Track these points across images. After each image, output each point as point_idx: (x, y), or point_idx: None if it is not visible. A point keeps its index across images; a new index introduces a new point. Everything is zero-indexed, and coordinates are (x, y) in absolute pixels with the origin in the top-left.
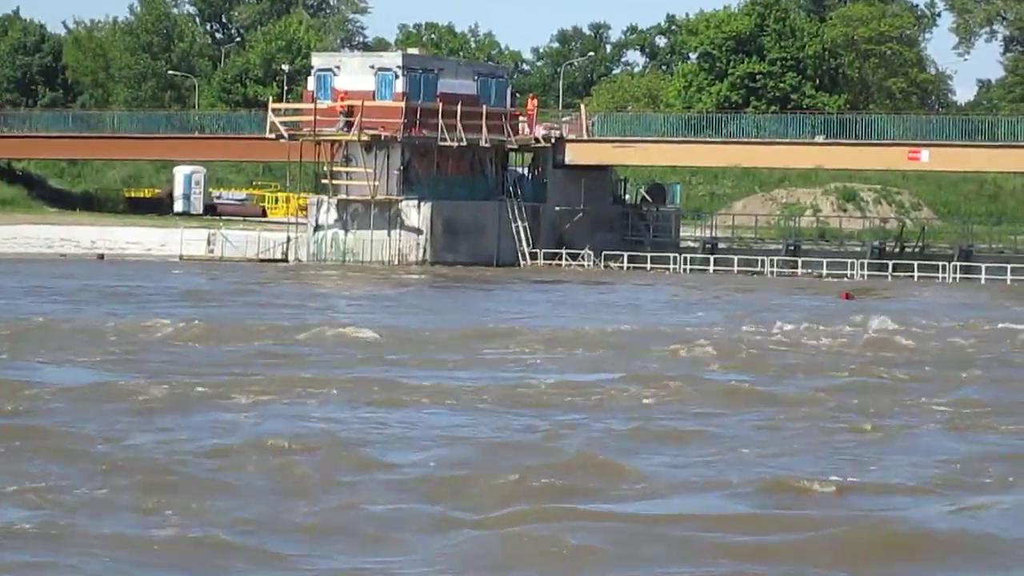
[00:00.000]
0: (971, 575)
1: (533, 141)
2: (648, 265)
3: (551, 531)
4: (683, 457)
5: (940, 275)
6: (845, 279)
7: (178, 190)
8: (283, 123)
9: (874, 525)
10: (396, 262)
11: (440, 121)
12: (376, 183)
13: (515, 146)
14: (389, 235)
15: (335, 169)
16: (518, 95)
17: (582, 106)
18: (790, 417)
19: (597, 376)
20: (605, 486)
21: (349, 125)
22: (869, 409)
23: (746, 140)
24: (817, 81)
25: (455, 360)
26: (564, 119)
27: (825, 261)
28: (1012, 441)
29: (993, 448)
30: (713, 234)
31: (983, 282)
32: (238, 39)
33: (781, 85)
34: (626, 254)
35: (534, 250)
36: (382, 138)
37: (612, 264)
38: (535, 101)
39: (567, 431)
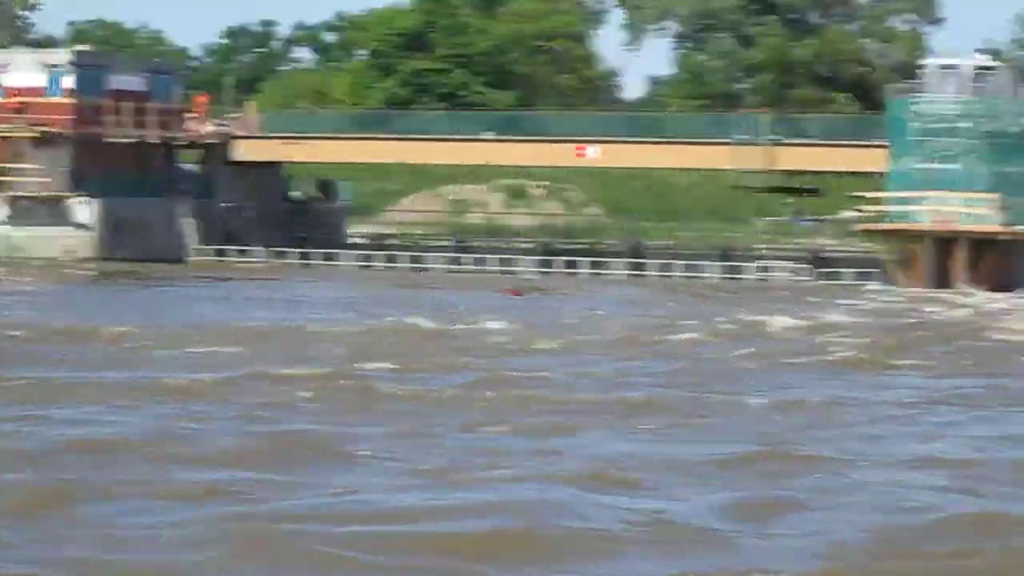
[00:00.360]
0: None
1: (202, 138)
2: (316, 262)
3: None
4: None
5: (609, 272)
6: (514, 275)
7: None
8: None
9: None
10: (65, 259)
11: (110, 118)
12: (46, 179)
13: (184, 143)
14: (58, 232)
15: (4, 165)
16: (188, 92)
17: (251, 103)
18: None
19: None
20: None
21: (33, 122)
22: None
23: (415, 137)
24: (486, 78)
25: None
26: (233, 116)
27: (493, 257)
28: None
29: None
30: (382, 231)
31: (652, 278)
32: None
33: (450, 82)
34: (295, 250)
35: (202, 246)
36: (51, 135)
37: (281, 260)
38: (204, 98)
39: None
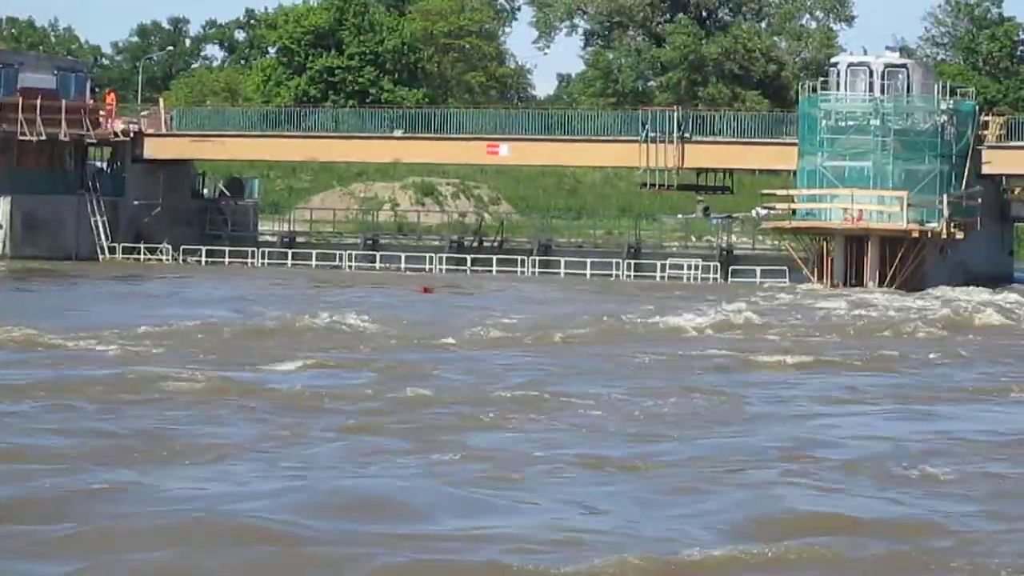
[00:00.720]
0: None
1: (112, 136)
2: (227, 259)
3: None
4: None
5: (520, 269)
6: (424, 273)
7: None
8: None
9: None
10: None
11: (20, 115)
12: None
13: (95, 140)
14: None
15: None
16: (98, 89)
17: (161, 100)
18: None
19: None
20: None
21: None
22: None
23: (324, 134)
24: (396, 75)
25: None
26: (143, 113)
27: (404, 255)
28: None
29: None
30: (292, 228)
31: (562, 276)
32: None
33: (360, 79)
34: (204, 248)
35: (113, 244)
36: None
37: (191, 258)
38: (113, 96)
39: None
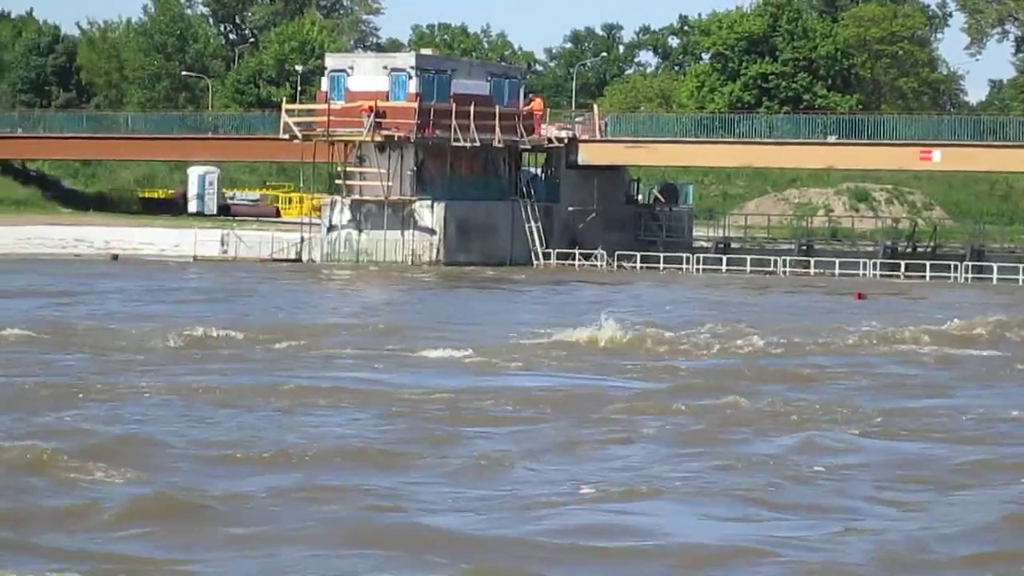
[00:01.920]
0: None
1: (546, 142)
2: (661, 265)
3: None
4: None
5: (952, 275)
6: (857, 279)
7: (192, 191)
8: (297, 124)
9: None
10: (409, 262)
11: (453, 122)
12: (390, 184)
13: (528, 146)
14: (402, 235)
15: (349, 170)
16: (531, 96)
17: (595, 106)
18: None
19: None
20: None
21: (378, 126)
22: None
23: (758, 140)
24: (829, 81)
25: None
26: (577, 119)
27: (837, 261)
28: None
29: None
30: (726, 234)
31: (995, 282)
32: (252, 40)
33: (793, 85)
34: (639, 254)
35: (547, 250)
36: (396, 139)
37: (625, 264)
38: (540, 101)
39: None
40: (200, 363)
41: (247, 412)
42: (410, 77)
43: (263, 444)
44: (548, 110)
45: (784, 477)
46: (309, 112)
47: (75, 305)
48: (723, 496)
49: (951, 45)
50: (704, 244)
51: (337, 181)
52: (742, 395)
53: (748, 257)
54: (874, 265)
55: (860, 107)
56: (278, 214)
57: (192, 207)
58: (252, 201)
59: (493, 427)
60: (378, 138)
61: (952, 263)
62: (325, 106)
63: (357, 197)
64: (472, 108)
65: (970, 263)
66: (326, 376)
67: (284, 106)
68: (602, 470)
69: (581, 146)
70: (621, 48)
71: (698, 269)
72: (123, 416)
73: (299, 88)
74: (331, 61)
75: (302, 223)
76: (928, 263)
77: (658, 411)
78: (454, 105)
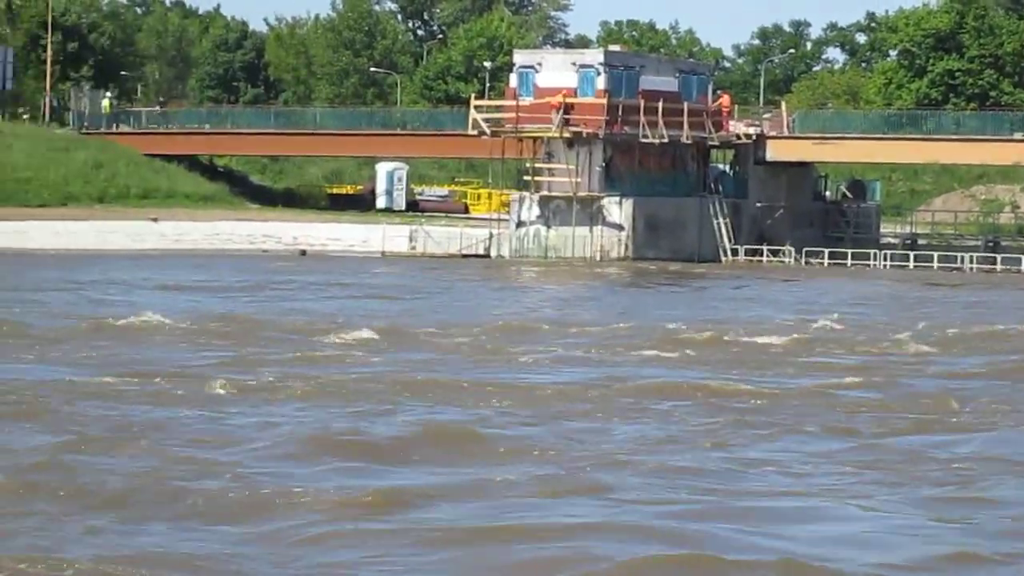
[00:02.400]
0: None
1: (734, 138)
2: (848, 261)
3: None
4: None
5: None
6: None
7: (380, 186)
8: (485, 120)
9: None
10: (598, 258)
11: (642, 118)
12: (578, 180)
13: (716, 143)
14: (591, 231)
15: (537, 166)
16: (718, 92)
17: (782, 103)
18: None
19: None
20: None
21: (567, 122)
22: None
23: (945, 137)
24: (1015, 78)
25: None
26: (765, 116)
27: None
28: None
29: None
30: (913, 230)
31: None
32: (440, 36)
33: (980, 82)
34: (827, 250)
35: (735, 246)
36: (584, 135)
37: (812, 260)
38: (728, 98)
39: None
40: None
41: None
42: (599, 73)
43: None
44: (736, 106)
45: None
46: (498, 108)
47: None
48: None
49: None
50: (891, 240)
51: (525, 177)
52: None
53: (935, 254)
54: None
55: None
56: (466, 210)
57: (380, 203)
58: (440, 197)
59: None
60: (566, 134)
61: None
62: (514, 102)
63: (545, 193)
64: (660, 104)
65: None
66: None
67: (473, 102)
68: None
69: (769, 142)
70: (808, 45)
71: (885, 265)
72: None
73: (487, 84)
74: (519, 57)
75: (490, 219)
76: None
77: None
78: (642, 101)
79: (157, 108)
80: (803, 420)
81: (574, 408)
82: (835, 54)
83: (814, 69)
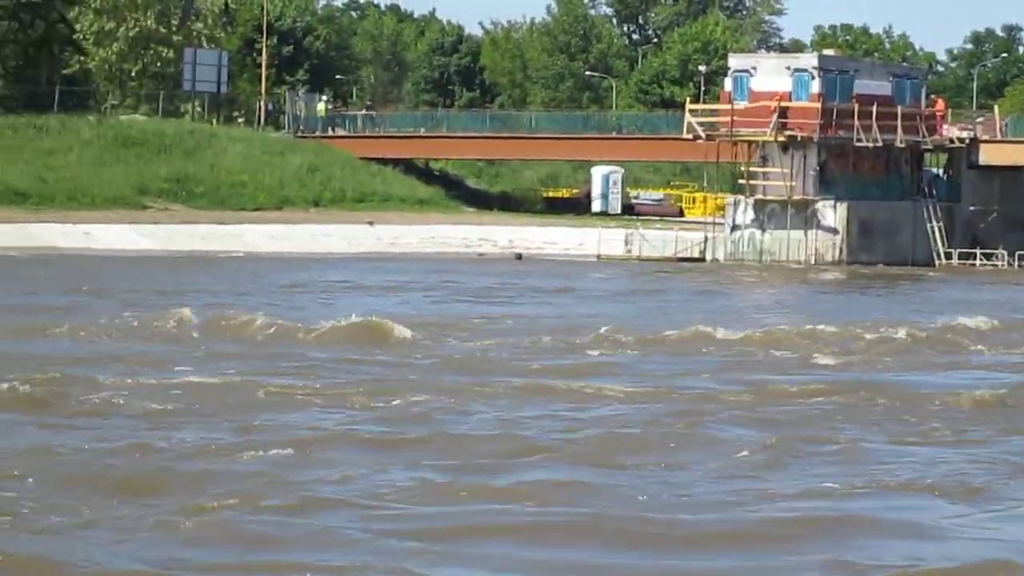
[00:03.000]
0: None
1: (948, 142)
2: None
3: None
4: None
5: None
6: None
7: (596, 190)
8: (700, 124)
9: None
10: (812, 262)
11: (856, 122)
12: (792, 183)
13: (930, 147)
14: (805, 235)
15: (752, 169)
16: (931, 96)
17: (995, 107)
18: None
19: None
20: None
21: (781, 126)
22: None
23: None
24: None
25: None
26: (978, 120)
27: None
28: None
29: None
30: None
31: None
32: (655, 40)
33: None
34: None
35: (948, 250)
36: (798, 139)
37: None
38: (942, 103)
39: None
40: None
41: None
42: (813, 77)
43: None
44: (949, 110)
45: None
46: (712, 112)
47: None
48: None
49: None
50: None
51: (740, 181)
52: None
53: None
54: None
55: None
56: (681, 214)
57: (596, 207)
58: (656, 201)
59: None
60: (781, 138)
61: None
62: (728, 106)
63: (760, 197)
64: (874, 108)
65: None
66: None
67: (688, 106)
68: None
69: (982, 147)
70: (1021, 49)
71: None
72: None
73: (702, 88)
74: (734, 61)
75: (705, 223)
76: None
77: None
78: (856, 105)
79: (363, 112)
80: None
81: None
82: None
83: None
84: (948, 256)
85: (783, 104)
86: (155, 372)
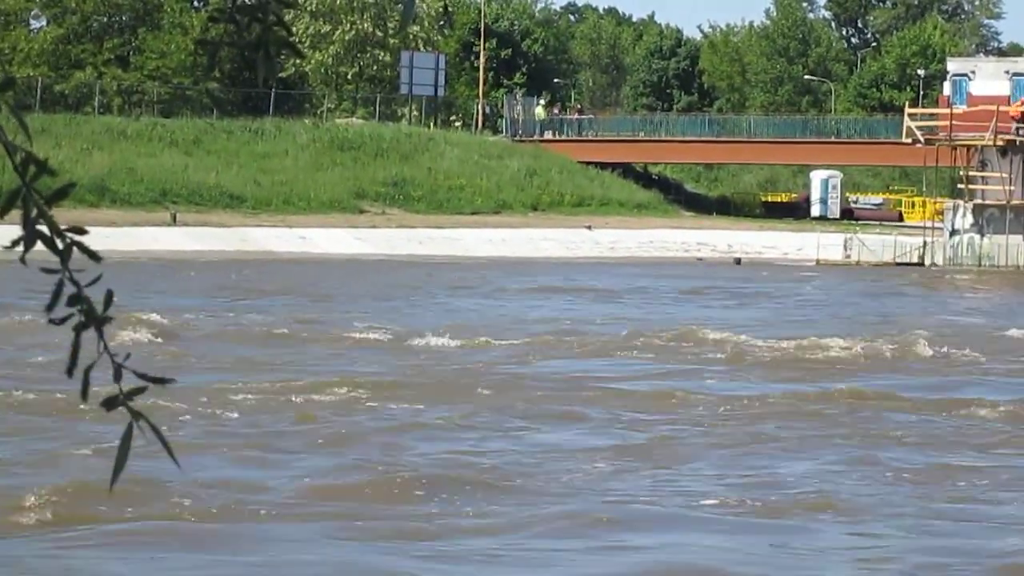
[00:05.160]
0: None
1: None
2: None
3: None
4: None
5: None
6: None
7: (815, 194)
8: (919, 128)
9: None
10: None
11: None
12: (1011, 188)
13: None
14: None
15: (971, 174)
16: None
17: None
18: None
19: None
20: None
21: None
22: None
23: None
24: None
25: None
26: None
27: None
28: None
29: None
30: None
31: None
32: (874, 44)
33: None
34: None
35: None
36: (1018, 143)
37: None
38: None
39: None
40: None
41: None
42: None
43: None
44: None
45: None
46: (931, 116)
47: None
48: None
49: None
50: None
51: (959, 185)
52: None
53: None
54: None
55: None
56: (900, 218)
57: (815, 211)
58: (875, 205)
59: None
60: (1000, 143)
61: None
62: (948, 110)
63: (979, 201)
64: None
65: None
66: None
67: (907, 110)
68: None
69: None
70: None
71: None
72: None
73: (921, 92)
74: (953, 65)
75: (924, 227)
76: None
77: None
78: None
79: (575, 115)
80: None
81: None
82: None
83: None
84: None
85: (1001, 109)
86: None
